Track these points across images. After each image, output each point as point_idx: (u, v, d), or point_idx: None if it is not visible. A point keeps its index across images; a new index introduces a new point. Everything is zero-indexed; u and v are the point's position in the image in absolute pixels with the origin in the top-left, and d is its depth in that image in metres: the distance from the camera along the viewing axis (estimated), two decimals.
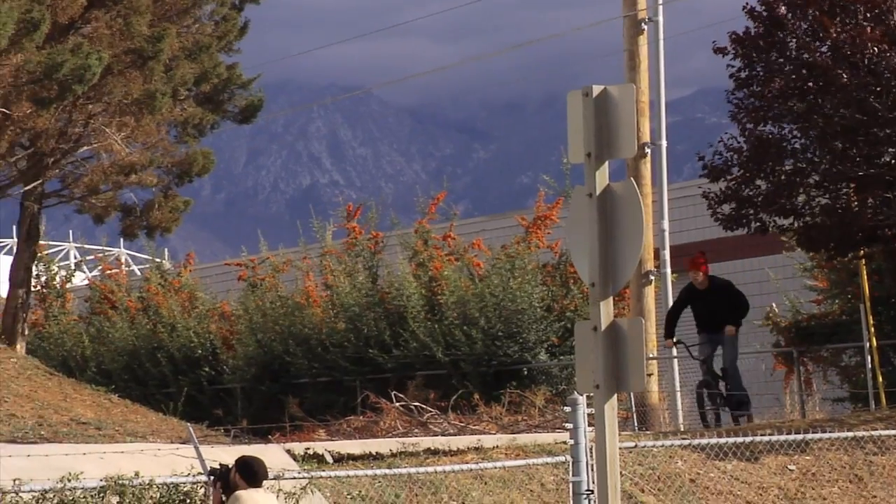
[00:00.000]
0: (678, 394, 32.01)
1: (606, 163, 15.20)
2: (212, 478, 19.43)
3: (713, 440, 25.62)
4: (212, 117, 35.71)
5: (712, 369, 29.18)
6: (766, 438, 25.47)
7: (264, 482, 19.44)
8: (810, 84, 29.60)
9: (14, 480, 19.17)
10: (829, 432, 26.03)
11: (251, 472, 19.21)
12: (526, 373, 34.01)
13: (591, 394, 15.51)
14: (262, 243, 44.38)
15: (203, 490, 19.79)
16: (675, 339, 29.20)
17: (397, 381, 33.69)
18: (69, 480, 19.38)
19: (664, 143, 32.17)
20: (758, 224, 31.02)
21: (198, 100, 34.95)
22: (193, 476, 20.06)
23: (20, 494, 18.96)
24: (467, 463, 23.66)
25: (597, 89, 15.12)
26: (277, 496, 20.00)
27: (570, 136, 15.26)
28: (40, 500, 19.10)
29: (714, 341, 29.20)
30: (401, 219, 41.30)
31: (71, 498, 19.25)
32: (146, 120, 32.81)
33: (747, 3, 29.98)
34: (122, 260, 52.74)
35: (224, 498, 19.24)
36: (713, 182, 30.55)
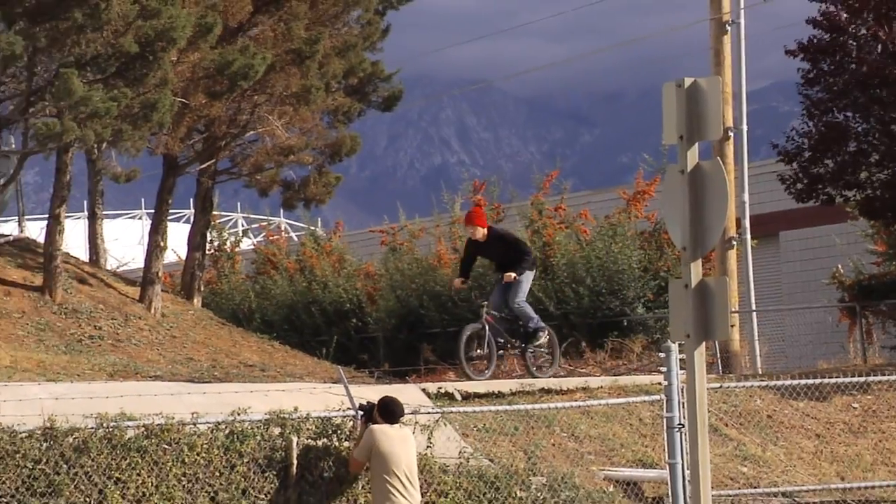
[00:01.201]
0: (756, 342, 31.84)
1: (696, 144, 15.24)
2: (360, 412, 19.54)
3: (787, 382, 25.52)
4: (358, 106, 35.85)
5: (492, 312, 26.24)
6: (832, 381, 25.33)
7: (402, 418, 19.55)
8: (869, 79, 29.68)
9: (192, 413, 19.32)
10: (888, 375, 25.87)
11: (389, 411, 19.37)
12: (626, 324, 33.93)
13: (683, 342, 15.51)
14: (401, 213, 44.44)
15: (351, 423, 19.85)
16: (462, 280, 26.98)
17: None
18: (238, 414, 19.52)
19: (745, 127, 32.02)
20: (825, 197, 31.09)
21: (346, 91, 35.05)
22: (343, 411, 20.11)
23: (197, 425, 19.11)
24: (576, 400, 23.65)
25: (688, 81, 15.17)
26: (414, 429, 20.07)
27: (665, 121, 15.30)
28: (214, 430, 19.23)
29: (501, 285, 26.64)
30: (518, 192, 41.24)
31: (240, 429, 19.37)
32: (303, 109, 32.95)
33: (810, 16, 30.38)
34: (283, 228, 52.96)
35: (362, 428, 19.39)
36: (787, 164, 30.73)
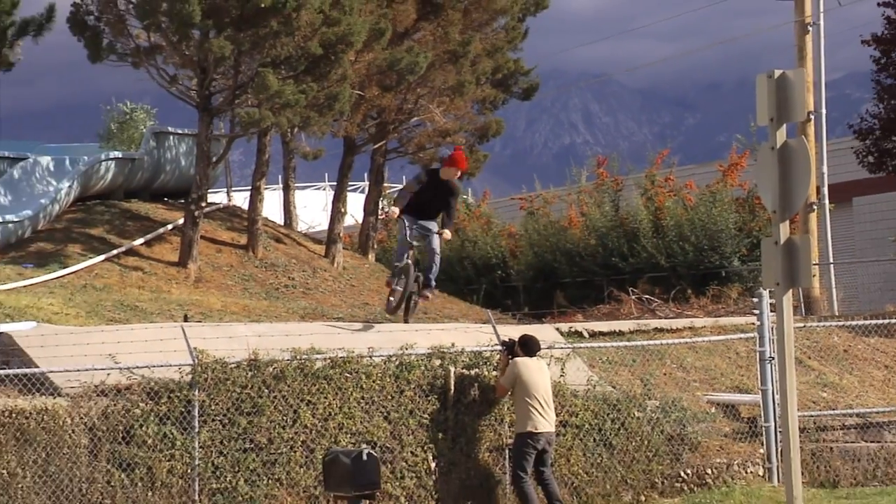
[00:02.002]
0: (833, 289, 31.52)
1: (784, 125, 15.17)
2: (503, 347, 19.59)
3: (860, 322, 25.21)
4: (502, 96, 35.82)
5: (415, 255, 22.93)
6: None
7: (538, 352, 19.59)
8: None
9: (369, 348, 19.43)
10: None
11: (528, 346, 19.43)
12: (724, 275, 33.74)
13: (773, 289, 15.42)
14: (537, 184, 44.49)
15: (497, 356, 19.90)
16: (400, 212, 22.69)
17: (632, 281, 33.63)
18: (406, 349, 19.61)
19: (823, 111, 31.61)
20: (892, 168, 30.78)
21: (493, 84, 35.03)
22: (491, 346, 20.16)
23: (373, 358, 19.23)
24: (683, 338, 23.53)
25: (777, 73, 15.11)
26: (549, 361, 20.09)
27: (758, 105, 15.22)
28: (386, 362, 19.35)
29: (426, 229, 22.86)
30: (634, 167, 41.03)
31: (407, 361, 19.47)
32: (457, 99, 33.02)
33: (885, 12, 30.03)
34: None
35: (503, 359, 19.44)
36: (860, 141, 30.56)
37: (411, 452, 19.03)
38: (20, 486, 17.01)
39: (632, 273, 34.41)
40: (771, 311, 20.60)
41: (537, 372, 19.21)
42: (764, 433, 21.21)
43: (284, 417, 18.39)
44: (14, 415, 17.21)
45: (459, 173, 23.11)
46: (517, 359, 19.24)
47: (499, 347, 19.96)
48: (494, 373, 19.70)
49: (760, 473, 21.04)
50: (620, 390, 21.04)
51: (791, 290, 15.45)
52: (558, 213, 39.84)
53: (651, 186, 36.78)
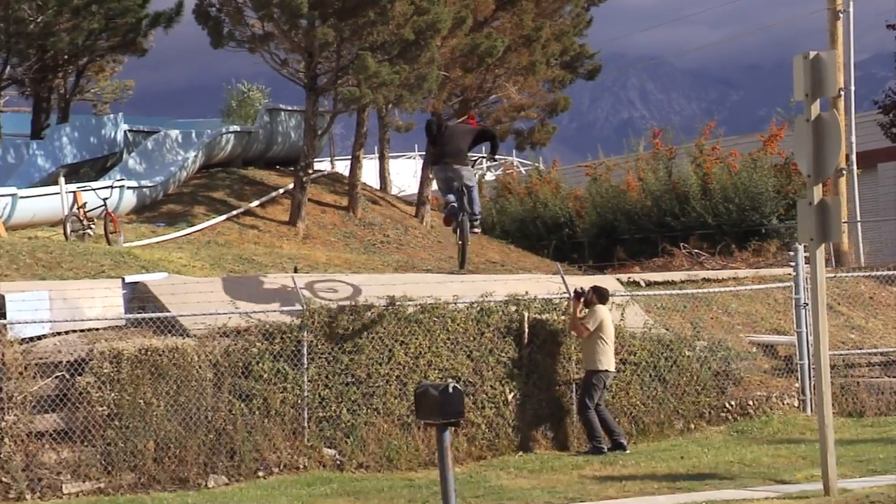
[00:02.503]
0: (860, 244, 31.20)
1: (818, 100, 15.07)
2: (576, 296, 19.46)
3: (884, 272, 24.98)
4: (569, 76, 35.63)
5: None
6: None
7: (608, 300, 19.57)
8: None
9: (454, 296, 19.45)
10: None
11: (602, 295, 19.40)
12: (763, 232, 33.48)
13: (807, 243, 15.31)
14: (600, 153, 44.27)
15: (566, 303, 19.87)
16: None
17: (683, 237, 33.47)
18: (486, 296, 19.62)
19: (852, 88, 31.18)
20: None
21: (561, 66, 34.87)
22: (560, 295, 20.15)
23: (457, 304, 19.25)
24: (728, 286, 23.41)
25: (812, 54, 15.03)
26: (611, 307, 20.03)
27: (795, 82, 15.12)
28: (469, 308, 19.36)
29: (455, 172, 21.27)
30: (685, 138, 40.74)
31: (487, 307, 19.47)
32: (530, 79, 32.92)
33: None
34: (515, 164, 52.79)
35: (581, 309, 19.30)
36: (885, 115, 30.25)
37: (491, 386, 19.08)
38: (155, 413, 17.21)
39: (682, 230, 34.24)
40: (805, 262, 20.44)
41: (610, 318, 19.24)
42: (798, 370, 21.08)
43: (381, 355, 18.48)
44: (149, 353, 17.40)
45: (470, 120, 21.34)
46: (598, 306, 19.21)
47: (567, 295, 19.93)
48: (563, 317, 19.68)
49: (795, 405, 20.93)
50: (673, 332, 20.97)
51: (823, 245, 15.34)
52: (618, 178, 39.66)
53: (700, 155, 36.53)
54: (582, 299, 19.31)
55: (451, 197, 21.20)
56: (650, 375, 20.11)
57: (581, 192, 41.27)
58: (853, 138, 31.04)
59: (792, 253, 21.78)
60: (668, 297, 22.19)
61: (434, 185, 36.59)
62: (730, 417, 20.53)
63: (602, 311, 19.13)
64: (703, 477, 16.53)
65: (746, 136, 42.56)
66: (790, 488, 15.54)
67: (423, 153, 36.43)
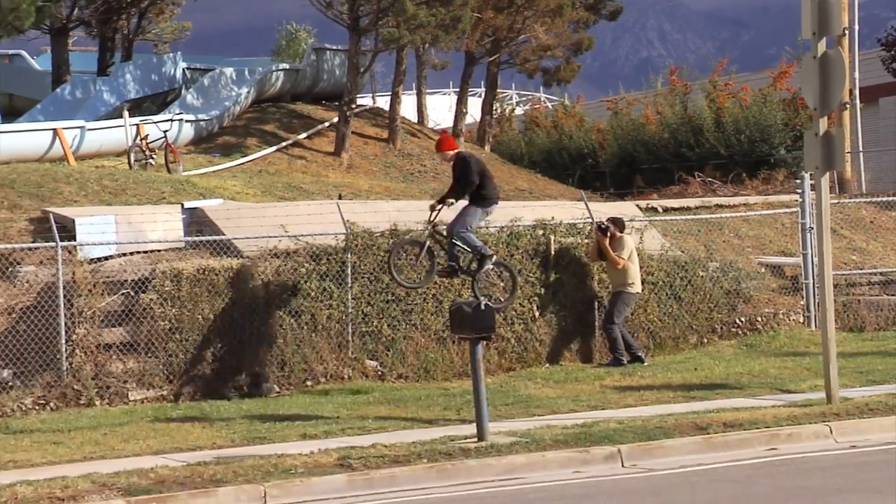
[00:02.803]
0: (862, 172, 30.94)
1: (824, 38, 14.95)
2: (601, 231, 19.21)
3: (884, 199, 24.78)
4: (592, 17, 35.31)
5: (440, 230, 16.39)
6: None
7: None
8: None
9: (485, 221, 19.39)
10: None
11: (622, 224, 19.29)
12: (772, 161, 33.23)
13: (813, 172, 15.21)
14: (621, 89, 43.98)
15: (589, 228, 19.78)
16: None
17: (698, 167, 33.25)
18: (515, 221, 19.55)
19: (856, 27, 30.83)
20: None
21: (585, 7, 34.55)
22: (584, 220, 20.06)
23: (489, 228, 19.17)
24: (739, 212, 23.29)
25: None
26: (630, 231, 19.94)
27: (803, 22, 14.96)
28: (499, 232, 19.29)
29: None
30: (700, 74, 40.32)
31: (516, 231, 19.40)
32: (557, 20, 32.62)
33: None
34: (542, 100, 52.47)
35: (603, 240, 19.06)
36: (887, 52, 29.86)
37: (519, 304, 19.05)
38: (212, 327, 17.28)
39: (697, 161, 34.01)
40: (811, 190, 20.26)
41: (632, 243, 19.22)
42: (804, 288, 20.98)
43: (419, 275, 18.46)
44: (206, 272, 17.45)
45: (450, 153, 16.32)
46: (624, 235, 19.11)
47: (590, 220, 19.85)
48: (587, 240, 19.60)
49: (801, 321, 20.86)
50: (688, 254, 20.88)
51: (827, 173, 15.27)
52: (637, 112, 39.36)
53: (713, 90, 36.18)
54: (608, 233, 19.11)
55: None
56: (666, 294, 20.04)
57: (603, 126, 41.00)
58: (856, 74, 30.67)
59: (798, 181, 21.61)
60: (684, 221, 22.06)
61: (468, 119, 36.54)
62: (740, 332, 20.48)
63: (628, 239, 19.09)
64: (714, 387, 16.52)
65: (757, 72, 42.09)
66: (795, 397, 15.52)
67: (457, 89, 36.22)
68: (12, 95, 32.78)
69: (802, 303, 21.00)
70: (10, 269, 17.80)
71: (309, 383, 17.61)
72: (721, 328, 20.43)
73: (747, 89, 36.41)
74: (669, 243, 21.00)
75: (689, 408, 15.00)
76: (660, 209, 23.40)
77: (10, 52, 35.06)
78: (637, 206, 23.12)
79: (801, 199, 21.19)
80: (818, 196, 15.21)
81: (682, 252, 20.93)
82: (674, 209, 23.54)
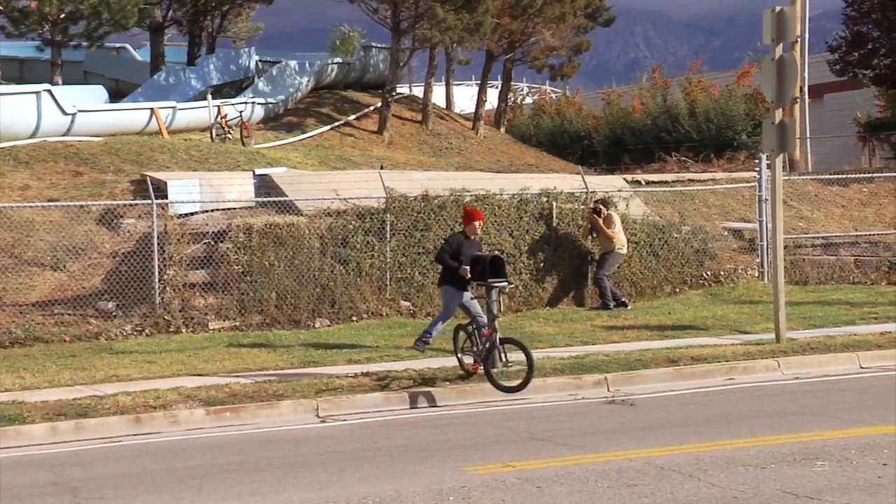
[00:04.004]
0: (809, 154, 30.62)
1: (781, 44, 14.74)
2: (596, 213, 19.01)
3: (826, 176, 24.52)
4: (590, 24, 34.87)
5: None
6: (852, 176, 24.28)
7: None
8: (885, 5, 28.36)
9: (500, 189, 19.28)
10: (885, 173, 24.71)
11: (607, 203, 19.14)
12: (735, 144, 32.95)
13: (769, 153, 15.03)
14: (613, 84, 43.62)
15: (585, 196, 19.66)
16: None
17: (675, 148, 32.98)
18: (524, 190, 19.43)
19: (807, 35, 30.36)
20: (852, 74, 29.79)
21: (584, 15, 34.09)
22: (580, 189, 19.93)
23: (502, 195, 19.07)
24: (707, 185, 23.06)
25: (777, 8, 14.74)
26: (618, 200, 19.82)
27: (764, 30, 14.78)
28: (511, 198, 19.16)
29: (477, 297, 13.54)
30: (678, 73, 39.92)
31: (525, 198, 19.28)
32: (561, 25, 32.26)
33: None
34: (548, 91, 52.06)
35: (598, 220, 18.89)
36: (832, 54, 29.61)
37: (526, 257, 18.98)
38: (276, 272, 17.27)
39: (674, 143, 33.75)
40: (767, 168, 20.07)
41: (617, 215, 19.13)
42: (759, 249, 20.83)
43: (444, 233, 18.37)
44: (273, 227, 17.43)
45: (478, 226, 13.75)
46: (611, 212, 18.97)
47: (585, 190, 19.74)
48: (582, 207, 19.48)
49: (756, 275, 20.71)
50: (665, 219, 20.74)
51: (781, 155, 15.09)
52: (626, 103, 39.08)
53: (688, 86, 35.89)
54: (601, 214, 18.92)
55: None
56: (647, 252, 19.92)
57: (598, 113, 40.70)
58: (806, 74, 30.31)
59: (757, 161, 21.40)
60: (662, 192, 21.90)
61: (487, 106, 36.31)
62: (706, 284, 20.36)
63: (614, 214, 19.01)
64: (684, 328, 16.44)
65: (724, 71, 41.70)
66: (750, 337, 15.43)
67: (479, 81, 35.94)
68: (118, 81, 32.74)
69: (758, 260, 20.85)
70: (114, 221, 17.87)
71: (354, 319, 17.60)
72: (691, 280, 20.31)
73: (716, 85, 36.14)
74: (650, 210, 20.86)
75: (664, 344, 14.94)
76: (643, 182, 23.23)
77: (117, 45, 35.00)
78: (624, 179, 22.96)
79: (758, 176, 21.00)
80: (773, 173, 15.07)
81: (660, 217, 20.80)
82: (654, 182, 23.37)
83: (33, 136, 22.21)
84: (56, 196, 18.59)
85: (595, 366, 13.35)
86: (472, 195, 18.78)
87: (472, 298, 13.35)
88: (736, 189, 23.04)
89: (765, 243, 20.59)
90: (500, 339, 12.53)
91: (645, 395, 12.45)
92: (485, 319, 12.80)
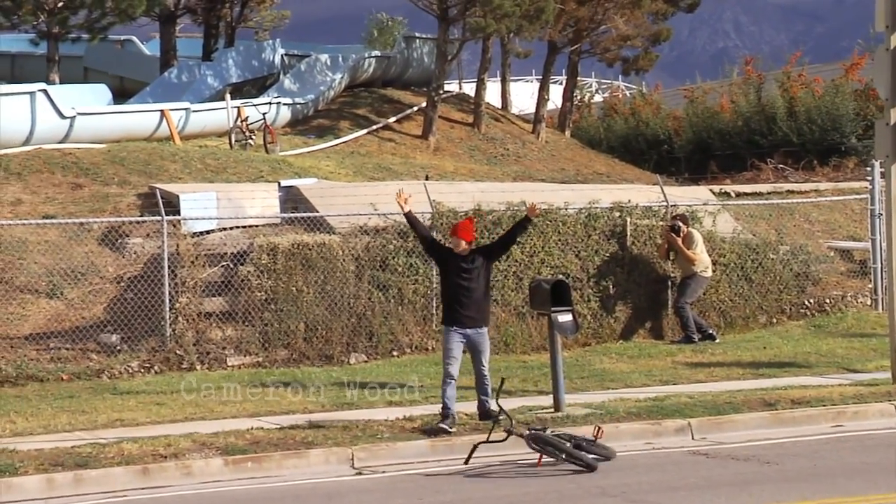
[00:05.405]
0: None
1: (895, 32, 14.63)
2: (673, 231, 18.97)
3: None
4: (671, 9, 34.82)
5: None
6: None
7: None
8: None
9: (565, 202, 19.31)
10: None
11: (687, 219, 19.20)
12: (843, 149, 32.68)
13: (883, 160, 14.97)
14: (697, 78, 43.57)
15: (664, 210, 19.65)
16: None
17: (770, 153, 32.82)
18: (593, 203, 19.45)
19: None
20: None
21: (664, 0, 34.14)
22: (659, 203, 19.92)
23: (567, 210, 19.09)
24: (809, 197, 22.95)
25: None
26: (704, 215, 19.80)
27: (877, 16, 14.74)
28: (578, 213, 19.19)
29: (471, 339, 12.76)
30: (774, 65, 39.72)
31: (594, 213, 19.31)
32: (636, 11, 32.29)
33: None
34: (621, 87, 52.04)
35: (676, 240, 18.86)
36: None
37: (595, 282, 18.97)
38: (305, 299, 17.41)
39: (769, 148, 33.56)
40: (880, 177, 19.92)
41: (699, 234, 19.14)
42: (872, 272, 20.67)
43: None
44: (301, 247, 17.57)
45: (459, 242, 12.86)
46: (691, 230, 18.97)
47: (664, 203, 19.74)
48: (661, 223, 19.46)
49: (868, 303, 20.54)
50: (759, 238, 20.65)
51: None
52: (712, 101, 38.90)
53: (787, 81, 35.66)
54: (680, 233, 18.88)
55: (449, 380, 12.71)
56: (738, 275, 19.85)
57: (679, 113, 40.55)
58: None
59: (868, 168, 21.27)
60: (756, 206, 21.82)
61: (549, 106, 36.40)
62: (808, 313, 20.23)
63: (695, 232, 19.00)
64: (783, 365, 16.34)
65: (829, 64, 41.44)
66: (861, 376, 15.30)
67: (540, 77, 36.04)
68: (123, 78, 33.16)
69: (870, 286, 20.68)
70: (119, 241, 18.10)
71: (395, 353, 17.68)
72: (790, 309, 20.20)
73: (819, 80, 35.86)
74: (741, 227, 20.78)
75: (758, 384, 14.86)
76: (732, 194, 23.17)
77: (122, 37, 35.46)
78: (710, 190, 22.91)
79: (870, 186, 20.85)
80: (888, 183, 14.96)
81: (754, 235, 20.71)
82: (746, 194, 23.30)
83: (26, 143, 22.58)
84: (52, 212, 18.89)
85: (677, 409, 13.31)
86: None
87: (459, 341, 12.63)
88: (844, 202, 22.87)
89: (878, 266, 20.40)
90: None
91: (736, 443, 12.39)
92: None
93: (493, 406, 12.32)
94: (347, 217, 18.22)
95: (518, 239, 14.24)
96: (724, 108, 37.24)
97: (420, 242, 13.40)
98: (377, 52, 33.98)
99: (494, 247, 13.33)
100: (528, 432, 11.55)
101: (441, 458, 12.05)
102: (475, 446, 11.78)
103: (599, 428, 11.82)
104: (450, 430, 12.49)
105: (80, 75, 32.77)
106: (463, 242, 12.89)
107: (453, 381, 12.66)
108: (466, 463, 11.67)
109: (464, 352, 12.88)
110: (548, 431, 11.62)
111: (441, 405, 12.72)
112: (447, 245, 13.25)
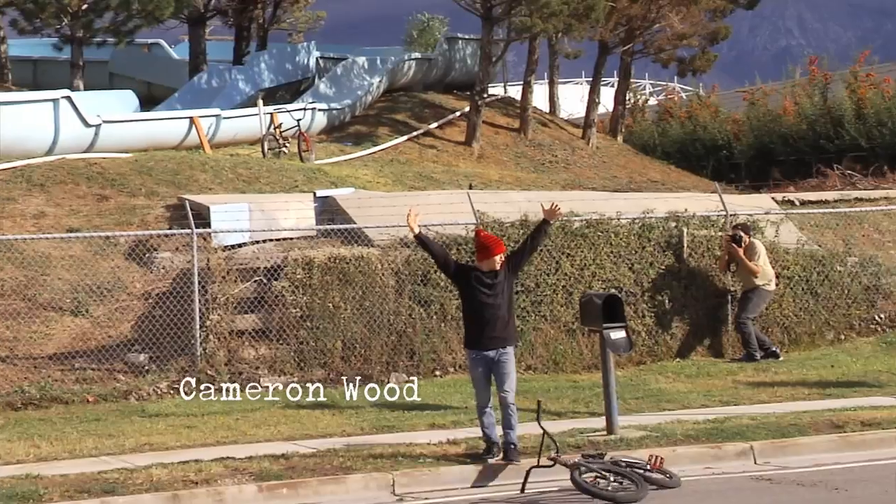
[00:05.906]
0: None
1: None
2: (734, 241, 18.91)
3: None
4: (730, 6, 34.81)
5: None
6: None
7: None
8: None
9: (617, 212, 19.28)
10: None
11: (748, 228, 19.08)
12: None
13: None
14: (757, 80, 43.38)
15: (723, 220, 19.59)
16: None
17: (837, 159, 32.64)
18: (647, 213, 19.41)
19: None
20: None
21: None
22: (718, 212, 19.86)
23: (620, 220, 19.04)
24: (880, 206, 22.81)
25: None
26: (766, 224, 19.71)
27: None
28: (631, 224, 19.15)
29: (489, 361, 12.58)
30: (840, 64, 39.51)
31: (648, 223, 19.27)
32: (692, 8, 32.31)
33: None
34: (676, 90, 51.88)
35: (738, 251, 18.80)
36: None
37: (650, 296, 18.92)
38: (342, 316, 17.45)
39: (836, 153, 33.38)
40: None
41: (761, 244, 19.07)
42: None
43: (548, 266, 18.43)
44: (337, 260, 17.63)
45: (493, 261, 12.55)
46: (753, 240, 18.90)
47: (724, 213, 19.68)
48: (720, 233, 19.39)
49: None
50: (825, 249, 20.53)
51: None
52: (774, 103, 38.75)
53: (854, 81, 35.47)
54: (741, 244, 18.81)
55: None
56: (802, 289, 19.73)
57: (739, 117, 40.41)
58: None
59: None
60: (821, 215, 21.70)
61: (600, 110, 36.35)
62: (879, 329, 20.08)
63: (758, 243, 18.93)
64: (852, 384, 16.22)
65: None
66: None
67: (590, 79, 36.01)
68: (150, 84, 33.44)
69: None
70: (147, 255, 18.21)
71: (437, 373, 17.69)
72: (859, 324, 20.05)
73: (889, 80, 35.62)
74: (806, 237, 20.66)
75: (825, 405, 14.75)
76: (796, 202, 23.04)
77: (150, 41, 35.74)
78: (773, 198, 22.79)
79: None
80: None
81: (820, 246, 20.58)
82: (811, 202, 23.16)
83: (50, 152, 22.79)
84: (77, 225, 19.04)
85: (738, 432, 13.24)
86: (582, 220, 18.80)
87: (482, 366, 12.48)
88: None
89: None
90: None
91: (802, 468, 12.31)
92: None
93: (535, 430, 12.10)
94: (387, 229, 18.23)
95: (539, 247, 13.84)
96: (787, 110, 37.07)
97: (435, 262, 13.06)
98: (417, 55, 34.09)
99: (514, 257, 12.81)
100: (574, 460, 11.44)
101: (487, 484, 12.03)
102: (528, 471, 11.70)
103: (659, 457, 11.73)
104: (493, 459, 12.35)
105: (106, 81, 33.08)
106: (498, 258, 12.48)
107: (487, 409, 12.54)
108: (522, 491, 11.59)
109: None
110: (606, 458, 11.53)
111: (483, 436, 12.59)
112: (479, 266, 12.53)
